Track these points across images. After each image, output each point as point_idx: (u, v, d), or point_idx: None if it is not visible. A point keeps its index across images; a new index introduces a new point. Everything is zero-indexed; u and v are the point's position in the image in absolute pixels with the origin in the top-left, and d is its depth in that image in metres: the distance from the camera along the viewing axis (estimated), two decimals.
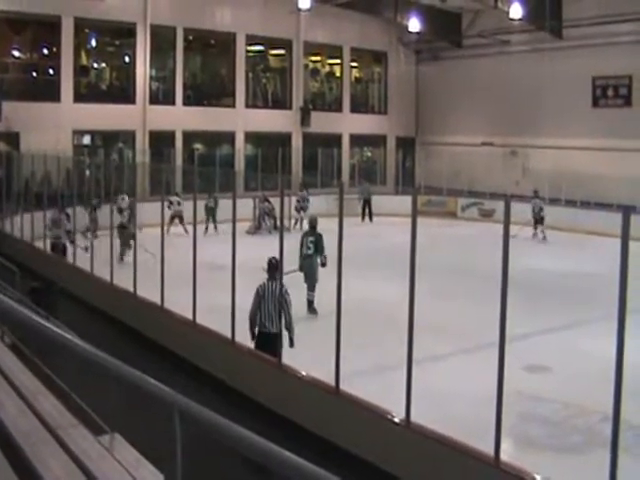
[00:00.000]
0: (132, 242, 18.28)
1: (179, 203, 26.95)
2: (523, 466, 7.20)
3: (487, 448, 7.14)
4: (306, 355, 10.72)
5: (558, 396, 11.31)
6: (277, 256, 10.72)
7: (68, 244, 19.85)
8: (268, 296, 10.86)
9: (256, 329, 10.90)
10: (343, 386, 9.09)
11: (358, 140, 41.81)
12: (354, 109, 41.41)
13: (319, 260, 16.06)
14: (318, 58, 40.82)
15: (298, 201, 30.70)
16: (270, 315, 10.79)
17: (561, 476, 6.94)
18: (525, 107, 35.99)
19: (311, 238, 16.23)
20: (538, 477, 6.88)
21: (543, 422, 10.45)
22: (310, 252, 16.14)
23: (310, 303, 16.05)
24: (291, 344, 10.83)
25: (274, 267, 11.05)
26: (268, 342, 10.76)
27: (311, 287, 16.16)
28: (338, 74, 41.36)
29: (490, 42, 37.31)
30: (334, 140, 40.22)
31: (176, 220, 26.55)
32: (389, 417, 8.42)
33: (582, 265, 21.81)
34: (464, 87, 39.00)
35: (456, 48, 40.19)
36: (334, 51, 40.38)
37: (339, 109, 40.88)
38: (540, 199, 29.83)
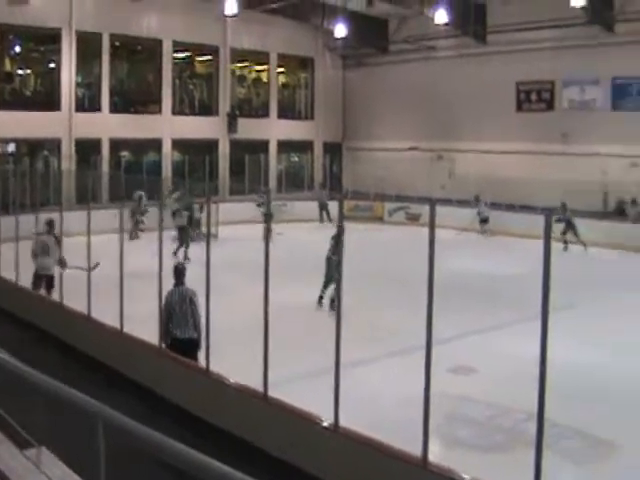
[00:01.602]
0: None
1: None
2: (451, 466, 7.28)
3: (415, 450, 7.21)
4: (232, 363, 10.69)
5: (484, 397, 11.47)
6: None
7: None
8: (177, 302, 10.86)
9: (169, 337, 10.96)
10: (271, 392, 9.09)
11: (285, 146, 41.81)
12: (281, 115, 41.41)
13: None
14: (245, 64, 40.76)
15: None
16: (181, 321, 10.80)
17: (488, 474, 7.02)
18: (451, 112, 36.42)
19: (332, 241, 17.00)
20: (466, 476, 6.96)
21: (469, 422, 10.60)
22: (329, 254, 17.26)
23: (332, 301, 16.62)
24: (199, 347, 10.84)
25: (180, 272, 11.07)
26: (182, 348, 10.77)
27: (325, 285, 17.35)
28: (265, 80, 41.38)
29: (416, 48, 37.70)
30: (261, 146, 40.15)
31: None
32: (317, 422, 8.44)
33: (507, 267, 22.10)
34: (391, 92, 39.32)
35: (382, 54, 40.51)
36: (261, 57, 40.36)
37: (266, 115, 40.84)
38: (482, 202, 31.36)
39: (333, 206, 32.60)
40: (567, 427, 10.07)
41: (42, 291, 16.33)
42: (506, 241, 28.20)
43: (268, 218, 8.98)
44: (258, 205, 28.36)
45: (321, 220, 35.11)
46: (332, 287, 16.91)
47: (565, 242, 27.06)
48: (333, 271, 16.74)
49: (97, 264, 14.50)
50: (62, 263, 15.78)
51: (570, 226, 27.48)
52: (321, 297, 17.55)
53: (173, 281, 11.15)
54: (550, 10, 30.56)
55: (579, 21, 30.48)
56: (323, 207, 35.77)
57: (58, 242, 16.29)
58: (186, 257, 23.69)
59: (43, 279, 16.46)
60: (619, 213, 30.39)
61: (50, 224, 16.57)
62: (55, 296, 15.53)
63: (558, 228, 26.55)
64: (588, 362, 13.61)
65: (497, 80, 34.66)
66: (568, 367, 12.12)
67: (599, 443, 9.92)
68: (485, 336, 15.39)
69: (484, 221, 31.90)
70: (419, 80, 37.93)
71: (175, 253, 23.25)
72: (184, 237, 24.53)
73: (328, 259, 17.35)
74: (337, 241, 16.99)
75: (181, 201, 27.16)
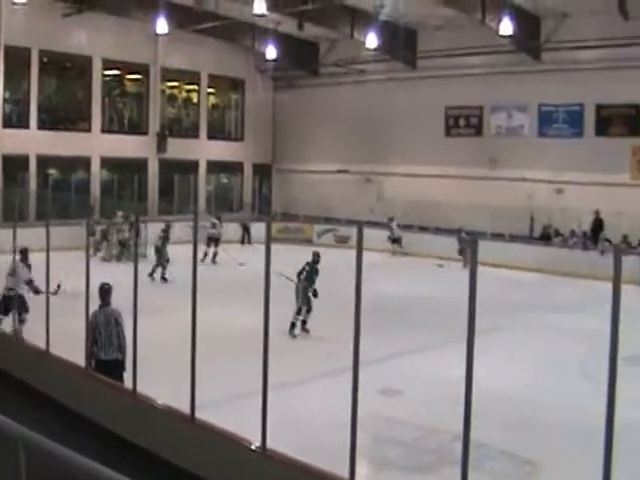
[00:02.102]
0: None
1: (214, 226, 29.80)
2: None
3: (343, 472, 7.20)
4: (159, 384, 10.58)
5: (411, 418, 11.54)
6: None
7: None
8: (102, 323, 10.73)
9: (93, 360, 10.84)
10: (199, 414, 9.02)
11: (215, 166, 41.61)
12: (211, 135, 41.29)
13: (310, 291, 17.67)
14: (175, 84, 40.52)
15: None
16: (105, 342, 10.68)
17: None
18: (380, 135, 36.70)
19: (307, 268, 17.92)
20: None
21: (396, 443, 10.64)
22: (302, 277, 17.83)
23: (303, 323, 17.65)
24: (124, 369, 10.71)
25: (106, 293, 10.93)
26: (107, 370, 10.65)
27: (307, 310, 17.72)
28: (195, 100, 41.18)
29: (346, 71, 37.91)
30: (191, 166, 39.94)
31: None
32: (245, 444, 8.40)
33: (433, 290, 22.29)
34: (321, 115, 39.48)
35: (313, 76, 40.65)
36: (191, 77, 40.19)
37: (196, 135, 40.67)
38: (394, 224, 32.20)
39: (260, 228, 32.58)
40: (493, 447, 10.18)
41: None
42: (433, 264, 28.41)
43: (195, 238, 8.91)
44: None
45: (242, 242, 35.57)
46: (304, 313, 17.50)
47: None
48: (305, 297, 17.48)
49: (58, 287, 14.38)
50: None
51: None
52: (293, 324, 17.55)
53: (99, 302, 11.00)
54: (479, 37, 31.08)
55: (507, 49, 31.02)
56: (245, 229, 36.22)
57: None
58: (162, 277, 23.61)
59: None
60: (544, 238, 30.86)
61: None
62: None
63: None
64: (513, 383, 13.79)
65: (426, 105, 35.06)
66: (493, 388, 12.29)
67: (524, 463, 10.04)
68: (410, 358, 15.53)
69: (396, 241, 33.15)
70: (349, 103, 38.15)
71: (151, 275, 23.09)
72: (159, 258, 24.45)
73: (303, 286, 17.67)
74: (312, 268, 17.80)
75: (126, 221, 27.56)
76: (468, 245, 28.46)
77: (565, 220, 30.54)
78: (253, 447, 8.25)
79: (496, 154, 33.28)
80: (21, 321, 14.81)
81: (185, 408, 9.09)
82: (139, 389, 9.95)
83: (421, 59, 35.35)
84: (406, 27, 33.96)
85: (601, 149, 29.98)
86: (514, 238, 30.73)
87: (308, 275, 17.75)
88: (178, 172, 39.18)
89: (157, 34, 33.31)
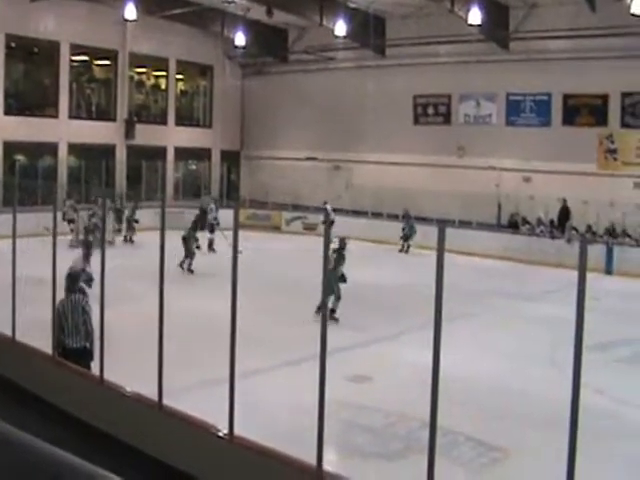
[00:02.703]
0: None
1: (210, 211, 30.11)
2: (345, 474, 7.32)
3: (311, 458, 7.22)
4: (127, 371, 10.54)
5: (380, 405, 11.60)
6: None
7: None
8: (68, 310, 10.62)
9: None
10: (167, 401, 9.00)
11: (183, 153, 41.45)
12: (179, 122, 41.08)
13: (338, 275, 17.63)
14: (144, 70, 40.24)
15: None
16: (72, 330, 10.57)
17: None
18: (349, 123, 36.72)
19: (334, 255, 17.57)
20: None
21: (365, 430, 10.68)
22: (330, 267, 16.87)
23: (332, 311, 17.13)
24: (91, 357, 10.60)
25: (74, 279, 10.80)
26: (74, 358, 10.56)
27: (335, 298, 17.52)
28: (164, 86, 40.95)
29: (315, 58, 37.87)
30: (159, 153, 39.74)
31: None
32: (213, 431, 8.39)
33: (402, 277, 22.34)
34: (289, 102, 39.43)
35: (282, 63, 40.59)
36: (160, 63, 39.90)
37: (164, 122, 40.45)
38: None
39: (228, 214, 32.55)
40: (461, 434, 10.25)
41: None
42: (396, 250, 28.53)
43: (162, 225, 8.86)
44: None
45: (200, 227, 35.37)
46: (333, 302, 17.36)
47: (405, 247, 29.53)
48: (333, 284, 17.19)
49: None
50: None
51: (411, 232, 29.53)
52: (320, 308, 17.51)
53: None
54: (448, 26, 31.14)
55: (475, 38, 31.09)
56: (204, 213, 35.95)
57: None
58: (189, 269, 23.28)
59: None
60: (512, 226, 31.04)
61: None
62: None
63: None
64: (481, 370, 13.88)
65: (395, 93, 35.13)
66: (462, 376, 12.37)
67: (492, 450, 10.11)
68: (380, 345, 15.59)
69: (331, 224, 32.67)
70: (318, 90, 38.15)
71: (181, 265, 22.90)
72: (188, 247, 23.98)
73: (329, 272, 17.41)
74: (339, 254, 17.75)
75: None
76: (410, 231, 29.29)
77: (532, 208, 30.76)
78: (221, 434, 8.25)
79: (464, 142, 33.45)
80: None
81: (152, 395, 9.06)
82: (109, 377, 9.90)
83: (390, 47, 35.38)
84: (375, 15, 34.00)
85: (568, 138, 30.19)
86: (482, 226, 30.89)
87: (335, 262, 17.65)
88: (146, 159, 38.94)
89: (126, 20, 33.05)
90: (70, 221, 28.91)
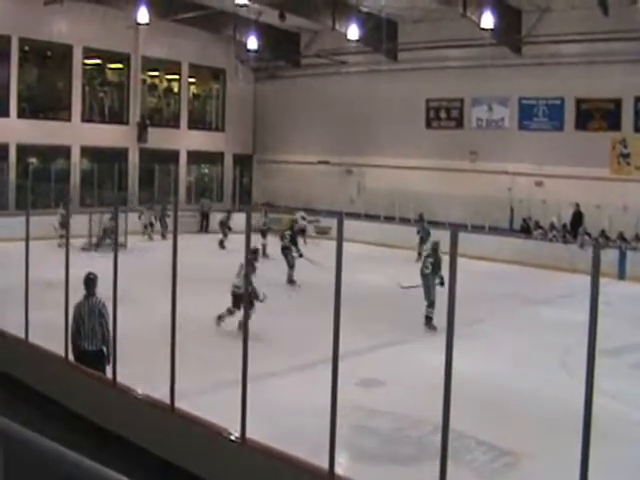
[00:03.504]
0: None
1: (303, 218, 30.97)
2: (357, 479, 7.32)
3: (323, 462, 7.22)
4: (140, 373, 10.56)
5: (391, 409, 11.59)
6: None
7: None
8: (85, 314, 10.60)
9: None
10: (179, 404, 9.02)
11: (195, 157, 41.58)
12: (192, 125, 41.21)
13: (437, 280, 17.51)
14: (156, 73, 40.34)
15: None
16: (89, 333, 10.57)
17: None
18: (361, 127, 36.74)
19: (431, 259, 17.83)
20: None
21: (377, 435, 10.67)
22: (427, 271, 17.72)
23: (428, 319, 17.51)
24: (108, 361, 10.56)
25: (91, 282, 10.79)
26: (90, 361, 10.55)
27: (429, 304, 17.58)
28: (176, 90, 41.06)
29: (328, 62, 37.88)
30: (171, 156, 39.86)
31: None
32: (225, 434, 8.40)
33: (416, 281, 22.28)
34: (302, 106, 39.46)
35: (294, 67, 40.62)
36: (172, 67, 40.07)
37: (177, 125, 40.58)
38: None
39: (240, 218, 32.59)
40: (473, 439, 10.24)
41: None
42: (413, 256, 28.38)
43: (175, 228, 8.87)
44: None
45: (200, 229, 36.46)
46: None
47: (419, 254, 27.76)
48: (431, 288, 17.62)
49: None
50: None
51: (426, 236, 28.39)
52: (428, 318, 17.68)
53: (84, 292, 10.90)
54: (460, 30, 31.09)
55: (488, 42, 31.05)
56: (204, 217, 37.15)
57: None
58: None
59: None
60: (524, 231, 30.98)
61: None
62: None
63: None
64: (493, 375, 13.86)
65: (407, 97, 35.12)
66: (474, 380, 12.35)
67: (504, 454, 10.09)
68: (392, 349, 15.57)
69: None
70: (330, 94, 38.14)
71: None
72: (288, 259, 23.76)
73: (425, 276, 17.76)
74: (435, 257, 17.80)
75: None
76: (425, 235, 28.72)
77: (545, 213, 30.70)
78: (232, 437, 8.26)
79: (477, 147, 33.43)
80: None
81: (164, 397, 9.07)
82: (120, 379, 9.92)
83: (402, 51, 35.34)
84: (387, 19, 33.97)
85: (581, 143, 30.12)
86: (494, 230, 30.84)
87: (433, 267, 17.77)
88: (158, 162, 39.08)
89: (138, 23, 33.15)
90: (63, 226, 28.56)
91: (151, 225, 33.64)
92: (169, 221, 32.43)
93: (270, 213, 32.40)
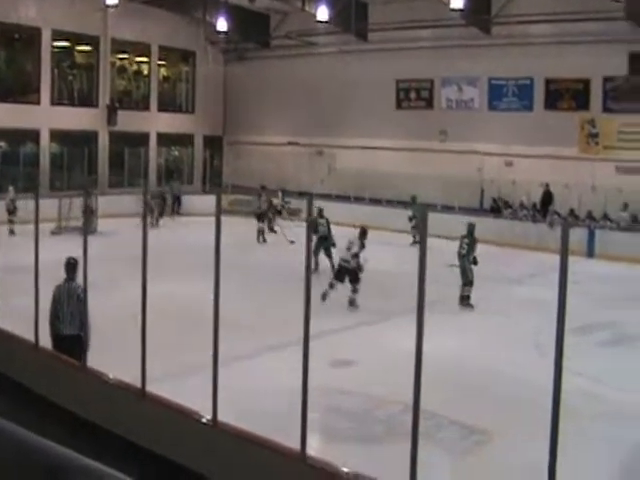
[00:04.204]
0: None
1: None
2: (329, 459, 7.34)
3: (294, 443, 7.24)
4: (111, 358, 10.53)
5: (362, 389, 11.64)
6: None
7: None
8: (64, 298, 10.57)
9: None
10: (150, 388, 9.00)
11: (166, 139, 41.38)
12: (161, 108, 40.95)
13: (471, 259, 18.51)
14: (125, 56, 40.02)
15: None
16: (67, 317, 10.53)
17: (366, 466, 7.10)
18: (332, 108, 36.69)
19: (466, 240, 18.69)
20: (344, 469, 7.02)
21: (348, 415, 10.72)
22: (464, 252, 18.45)
23: (464, 298, 18.47)
24: (86, 346, 10.51)
25: (72, 267, 10.75)
26: (66, 345, 10.51)
27: (466, 283, 18.51)
28: (146, 72, 40.80)
29: (297, 43, 37.81)
30: (141, 139, 39.69)
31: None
32: (196, 417, 8.40)
33: (384, 262, 22.31)
34: (272, 87, 39.33)
35: (264, 48, 40.45)
36: (142, 49, 39.77)
37: (146, 108, 40.33)
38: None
39: (210, 199, 32.50)
40: (444, 417, 10.31)
41: None
42: (385, 237, 28.39)
43: (144, 211, 8.83)
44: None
45: (172, 212, 36.35)
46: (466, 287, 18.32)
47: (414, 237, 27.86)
48: (467, 269, 18.45)
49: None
50: None
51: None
52: (465, 296, 18.52)
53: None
54: (430, 11, 31.14)
55: (457, 22, 31.08)
56: (176, 199, 37.21)
57: None
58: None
59: None
60: (494, 210, 31.13)
61: None
62: None
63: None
64: (464, 354, 13.97)
65: (377, 78, 35.11)
66: (445, 359, 12.45)
67: (475, 433, 10.18)
68: (362, 329, 15.64)
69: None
70: (300, 75, 38.07)
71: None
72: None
73: (462, 256, 18.48)
74: (470, 239, 18.70)
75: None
76: (419, 217, 28.44)
77: (515, 192, 30.88)
78: (204, 420, 8.26)
79: (447, 127, 33.54)
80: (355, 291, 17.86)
81: (135, 381, 9.05)
82: (91, 363, 9.88)
83: (372, 32, 35.29)
84: (357, 0, 33.89)
85: (550, 123, 30.28)
86: (464, 210, 30.96)
87: (469, 248, 18.53)
88: (128, 145, 38.88)
89: (107, 5, 32.94)
90: (10, 212, 28.02)
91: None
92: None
93: (239, 194, 32.55)
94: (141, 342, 8.77)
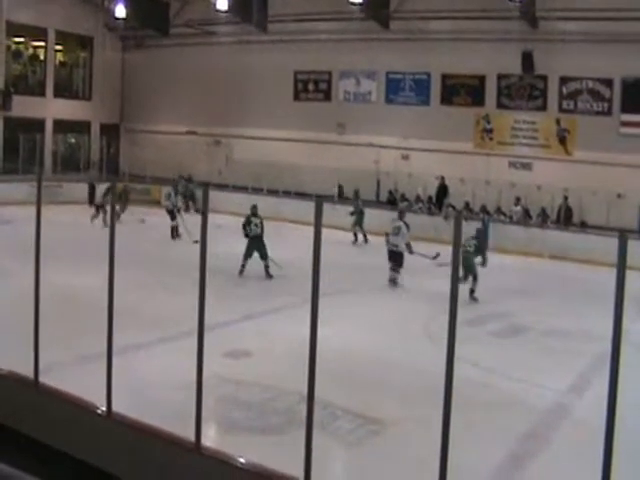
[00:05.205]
0: None
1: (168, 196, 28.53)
2: (224, 449, 7.36)
3: (189, 435, 7.23)
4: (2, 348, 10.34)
5: (259, 379, 11.67)
6: None
7: None
8: None
9: None
10: (43, 378, 8.86)
11: (62, 126, 40.57)
12: (58, 94, 40.16)
13: (478, 258, 18.83)
14: (21, 39, 39.14)
15: None
16: None
17: (263, 456, 7.13)
18: (230, 98, 36.60)
19: (475, 242, 18.72)
20: (240, 459, 7.05)
21: (244, 405, 10.74)
22: (470, 250, 18.36)
23: (471, 291, 18.39)
24: None
25: None
26: None
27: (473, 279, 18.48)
28: (42, 57, 39.94)
29: (197, 32, 37.58)
30: (37, 125, 38.83)
31: None
32: (90, 408, 8.31)
33: (281, 252, 22.36)
34: (170, 76, 38.94)
35: (163, 37, 39.96)
36: (39, 33, 38.88)
37: (42, 93, 39.50)
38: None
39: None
40: (339, 407, 10.41)
41: None
42: (280, 227, 28.41)
43: (38, 200, 8.70)
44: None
45: (90, 202, 34.86)
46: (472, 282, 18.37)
47: (362, 236, 27.92)
48: (473, 265, 18.54)
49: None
50: None
51: (361, 217, 28.18)
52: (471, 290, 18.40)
53: None
54: (329, 3, 31.34)
55: (357, 16, 31.34)
56: (92, 188, 35.55)
57: None
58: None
59: None
60: (390, 202, 31.45)
61: None
62: None
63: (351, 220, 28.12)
64: (359, 344, 14.11)
65: (276, 69, 35.16)
66: (340, 349, 12.57)
67: (370, 422, 10.30)
68: (259, 320, 15.64)
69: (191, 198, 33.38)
70: (199, 65, 37.80)
71: None
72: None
73: (465, 251, 17.98)
74: (479, 241, 18.91)
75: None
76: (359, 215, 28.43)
77: (411, 185, 31.28)
78: (99, 411, 8.18)
79: (344, 119, 33.84)
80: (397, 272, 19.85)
81: (28, 372, 8.90)
82: None
83: (272, 23, 35.28)
84: None
85: (446, 118, 30.82)
86: (363, 203, 31.23)
87: (476, 248, 18.74)
88: (23, 131, 37.92)
89: None
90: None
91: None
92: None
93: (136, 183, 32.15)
94: (34, 332, 8.64)
